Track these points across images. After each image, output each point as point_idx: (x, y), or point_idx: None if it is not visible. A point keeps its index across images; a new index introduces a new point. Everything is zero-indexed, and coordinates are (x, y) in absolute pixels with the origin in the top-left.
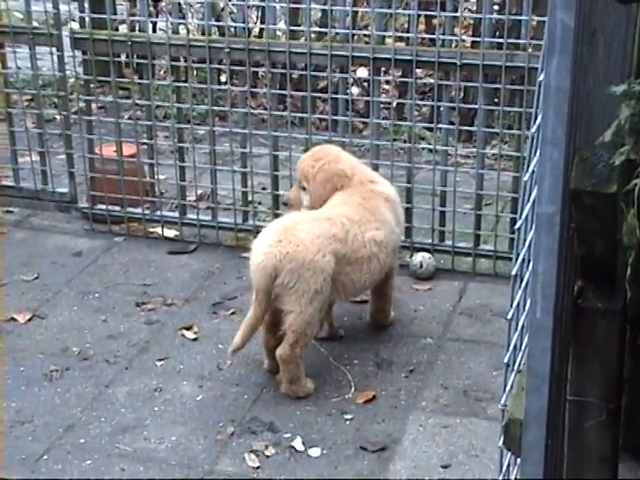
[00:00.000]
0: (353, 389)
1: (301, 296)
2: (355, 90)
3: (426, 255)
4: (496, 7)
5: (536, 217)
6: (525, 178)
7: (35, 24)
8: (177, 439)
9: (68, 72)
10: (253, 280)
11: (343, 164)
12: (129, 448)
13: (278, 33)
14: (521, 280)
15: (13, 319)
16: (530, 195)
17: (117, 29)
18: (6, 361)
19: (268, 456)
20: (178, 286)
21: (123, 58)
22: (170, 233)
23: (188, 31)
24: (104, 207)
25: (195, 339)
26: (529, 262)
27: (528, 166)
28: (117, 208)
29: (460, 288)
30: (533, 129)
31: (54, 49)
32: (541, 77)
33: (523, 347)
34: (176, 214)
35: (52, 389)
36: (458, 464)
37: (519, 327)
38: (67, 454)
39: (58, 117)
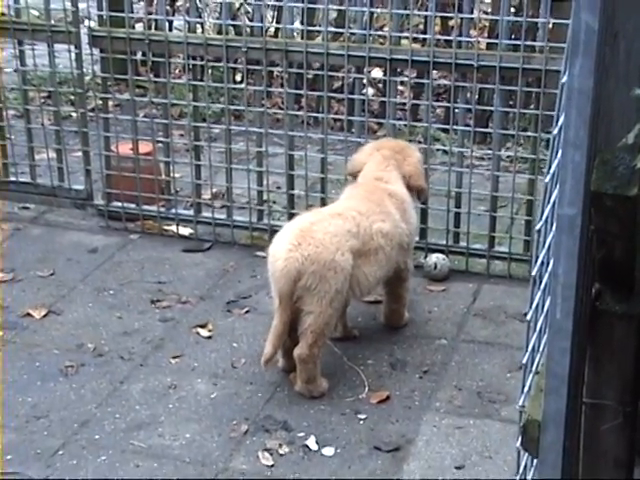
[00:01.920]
0: (367, 389)
1: (323, 297)
2: (370, 91)
3: (440, 256)
4: (512, 9)
5: (557, 219)
6: (546, 180)
7: (52, 22)
8: (191, 436)
9: (85, 70)
10: (275, 286)
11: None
12: (144, 444)
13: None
14: (540, 282)
15: (29, 315)
16: (550, 197)
17: (133, 27)
18: (22, 356)
19: (282, 454)
20: (193, 284)
21: (139, 56)
22: (185, 231)
23: (203, 30)
24: (120, 204)
25: (209, 337)
26: (548, 264)
27: (549, 168)
28: (132, 206)
29: (474, 290)
30: (555, 131)
31: (72, 47)
32: (564, 79)
33: (541, 348)
34: (191, 212)
35: (67, 385)
36: (472, 465)
37: (537, 329)
38: (82, 449)
39: (74, 114)
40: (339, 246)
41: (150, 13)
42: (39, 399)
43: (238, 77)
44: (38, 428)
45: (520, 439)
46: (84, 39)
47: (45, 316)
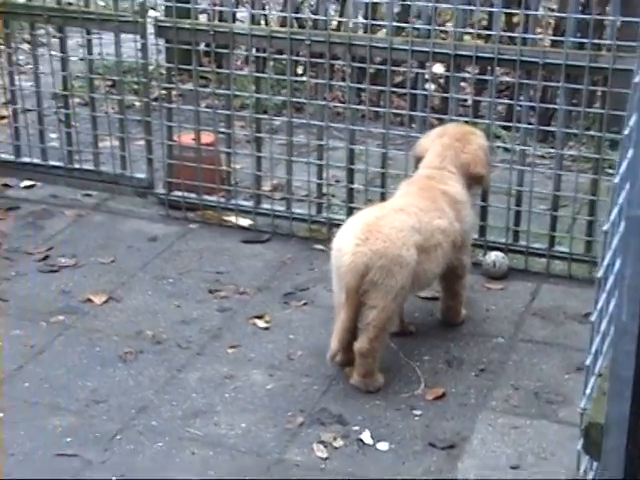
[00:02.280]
0: (423, 385)
1: (388, 292)
2: (431, 86)
3: (500, 254)
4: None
5: (625, 220)
6: (615, 180)
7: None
8: (247, 426)
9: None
10: (341, 280)
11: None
12: (200, 432)
13: (351, 26)
14: (605, 283)
15: (89, 300)
16: (619, 198)
17: (196, 18)
18: (82, 341)
19: (336, 448)
20: (251, 275)
21: (202, 47)
22: (244, 222)
23: (267, 22)
24: (180, 194)
25: (266, 328)
26: (613, 266)
27: (618, 168)
28: (193, 195)
29: (533, 289)
30: (626, 131)
31: (138, 36)
32: (637, 79)
33: (604, 351)
34: (251, 203)
35: (126, 371)
36: (527, 466)
37: (600, 331)
38: (139, 435)
39: (137, 103)
40: (405, 241)
41: (214, 4)
42: (98, 384)
43: (299, 70)
44: (97, 412)
45: (581, 441)
46: (149, 29)
47: (105, 302)
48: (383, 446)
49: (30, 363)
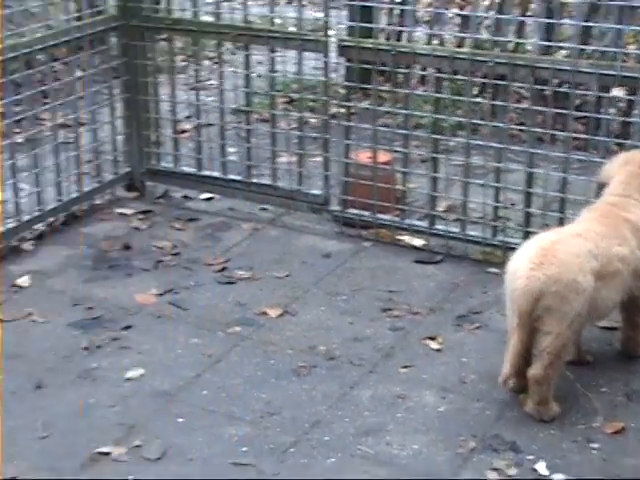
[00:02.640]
0: (601, 418)
1: (562, 318)
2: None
3: None
4: None
5: None
6: None
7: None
8: (419, 448)
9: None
10: (514, 304)
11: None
12: (371, 451)
13: (529, 48)
14: None
15: (265, 313)
16: None
17: (376, 38)
18: (257, 353)
19: (510, 476)
20: (423, 295)
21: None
22: (417, 242)
23: (442, 42)
24: (355, 212)
25: (439, 350)
26: None
27: None
28: (367, 213)
29: None
30: None
31: (320, 55)
32: None
33: None
34: (425, 224)
35: (299, 385)
36: None
37: None
38: (312, 449)
39: (312, 120)
40: (581, 267)
41: (390, 24)
42: (273, 396)
43: (474, 90)
44: (271, 424)
45: None
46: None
47: (280, 316)
48: (559, 478)
49: (207, 372)
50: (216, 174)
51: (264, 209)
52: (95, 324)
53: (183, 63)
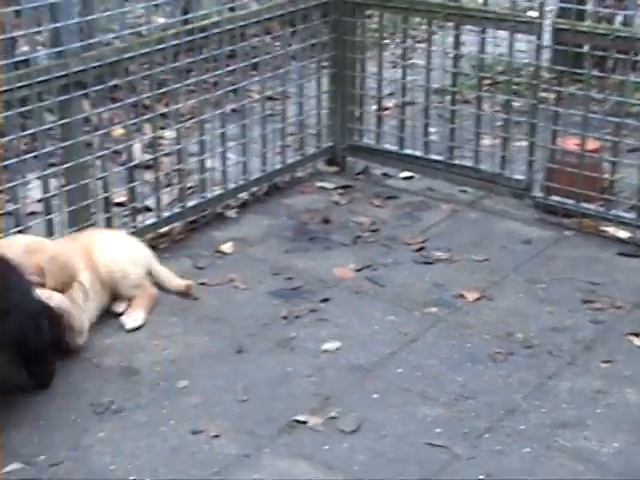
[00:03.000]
0: None
1: None
2: None
3: None
4: None
5: None
6: None
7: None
8: (619, 446)
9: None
10: None
11: None
12: (569, 444)
13: None
14: None
15: (462, 296)
16: None
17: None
18: (454, 335)
19: None
20: (627, 290)
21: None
22: (623, 234)
23: None
24: (558, 199)
25: None
26: None
27: None
28: (570, 201)
29: None
30: None
31: (533, 37)
32: None
33: None
34: (632, 215)
35: (495, 371)
36: None
37: None
38: (507, 437)
39: (515, 104)
40: None
41: (605, 7)
42: (468, 380)
43: None
44: (466, 408)
45: None
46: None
47: (477, 300)
48: None
49: (403, 350)
50: (417, 153)
51: (463, 191)
52: (294, 294)
53: (387, 40)
